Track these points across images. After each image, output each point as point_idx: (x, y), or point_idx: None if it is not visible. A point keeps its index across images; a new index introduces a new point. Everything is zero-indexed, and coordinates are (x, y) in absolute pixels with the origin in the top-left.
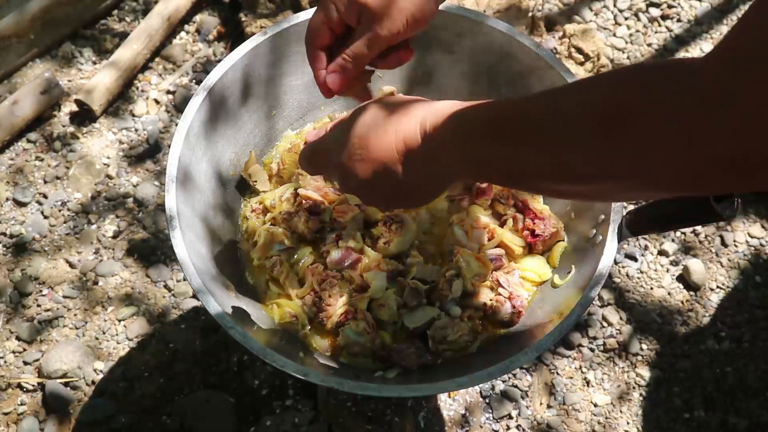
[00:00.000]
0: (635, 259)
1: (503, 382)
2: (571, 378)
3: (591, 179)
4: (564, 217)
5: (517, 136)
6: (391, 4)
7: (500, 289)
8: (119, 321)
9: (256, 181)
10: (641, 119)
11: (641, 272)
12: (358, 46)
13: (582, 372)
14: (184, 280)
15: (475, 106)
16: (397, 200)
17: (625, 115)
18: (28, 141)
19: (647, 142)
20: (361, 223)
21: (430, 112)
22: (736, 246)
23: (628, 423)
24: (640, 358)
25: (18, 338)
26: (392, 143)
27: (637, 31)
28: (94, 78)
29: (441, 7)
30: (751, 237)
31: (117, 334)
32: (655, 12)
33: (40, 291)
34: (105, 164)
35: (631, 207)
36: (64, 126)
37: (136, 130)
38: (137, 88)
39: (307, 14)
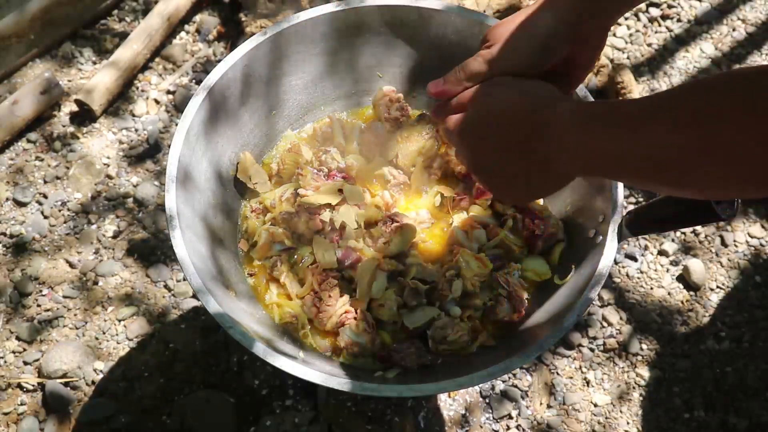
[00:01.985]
0: (635, 259)
1: (503, 382)
2: (571, 378)
3: (682, 172)
4: (564, 217)
5: (635, 120)
6: (506, 47)
7: (500, 289)
8: (119, 321)
9: (256, 183)
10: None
11: (641, 272)
12: (464, 63)
13: (582, 372)
14: (184, 280)
15: (590, 103)
16: (519, 186)
17: (720, 114)
18: (28, 141)
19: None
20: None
21: (559, 103)
22: (736, 246)
23: (628, 423)
24: (640, 358)
25: (18, 338)
26: (523, 127)
27: (637, 31)
28: (94, 78)
29: (441, 7)
30: (751, 237)
31: (117, 334)
32: (655, 12)
33: (40, 291)
34: (105, 164)
35: (631, 207)
36: (64, 126)
37: (136, 130)
38: (137, 88)
39: (308, 14)
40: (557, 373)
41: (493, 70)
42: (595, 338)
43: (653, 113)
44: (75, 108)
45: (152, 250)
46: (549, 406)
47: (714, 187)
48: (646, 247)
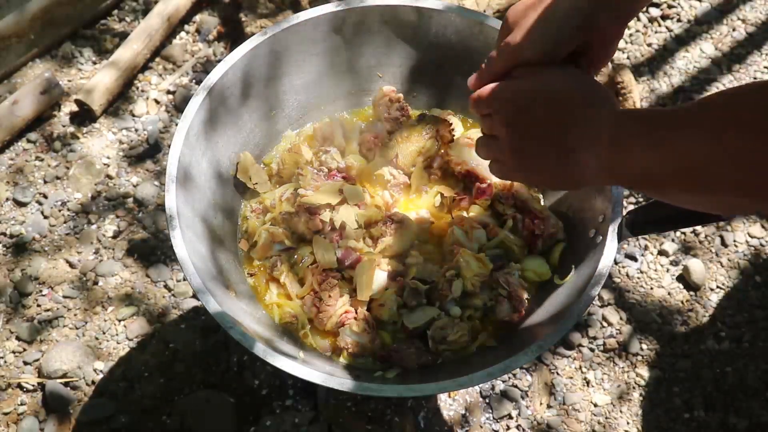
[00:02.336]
0: (635, 259)
1: (503, 382)
2: (571, 378)
3: (736, 176)
4: (564, 217)
5: (673, 126)
6: (527, 29)
7: (500, 289)
8: (119, 321)
9: (256, 183)
10: None
11: (641, 272)
12: (493, 56)
13: (582, 372)
14: (184, 280)
15: (632, 112)
16: (535, 169)
17: None
18: (28, 141)
19: None
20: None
21: (603, 104)
22: (736, 246)
23: (628, 423)
24: (640, 358)
25: (18, 338)
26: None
27: (637, 31)
28: (94, 78)
29: (441, 7)
30: (751, 237)
31: (117, 334)
32: (655, 12)
33: (40, 291)
34: (105, 164)
35: (631, 207)
36: (64, 126)
37: (136, 130)
38: (137, 88)
39: (308, 14)
40: (557, 373)
41: (516, 60)
42: (595, 338)
43: (700, 117)
44: (75, 108)
45: (152, 250)
46: (549, 406)
47: (756, 198)
48: (646, 247)
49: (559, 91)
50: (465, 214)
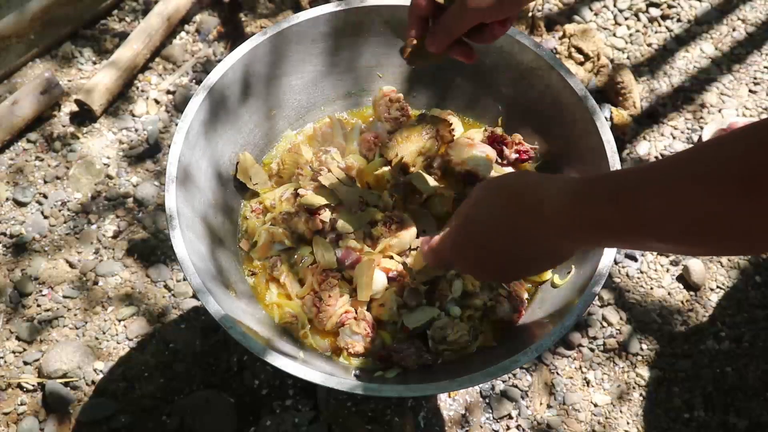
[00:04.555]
0: (635, 259)
1: (503, 382)
2: (571, 378)
3: (714, 237)
4: None
5: (640, 193)
6: None
7: (500, 289)
8: (119, 321)
9: (256, 183)
10: None
11: (641, 272)
12: (448, 18)
13: (582, 372)
14: (184, 280)
15: (591, 178)
16: (527, 270)
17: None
18: (28, 141)
19: None
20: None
21: (551, 187)
22: None
23: (628, 423)
24: (640, 358)
25: (18, 338)
26: (507, 213)
27: (637, 31)
28: (94, 78)
29: None
30: None
31: (117, 334)
32: (655, 12)
33: (40, 291)
34: (105, 164)
35: None
36: (64, 126)
37: (136, 130)
38: (137, 88)
39: (308, 14)
40: (557, 373)
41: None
42: (595, 338)
43: (675, 175)
44: (75, 108)
45: (152, 250)
46: (549, 406)
47: (756, 246)
48: None
49: (493, 215)
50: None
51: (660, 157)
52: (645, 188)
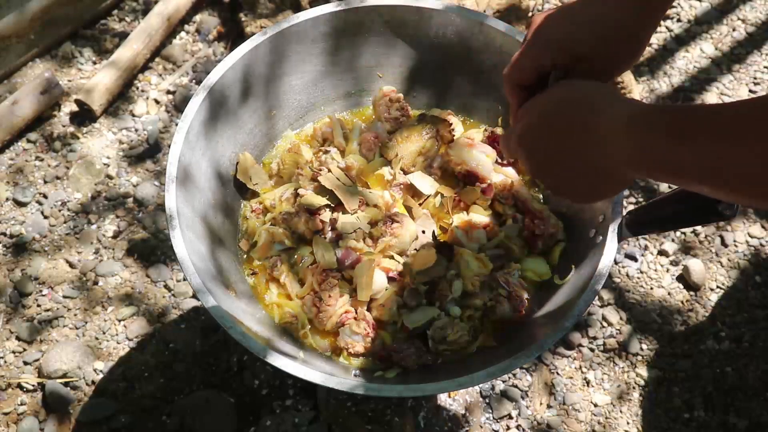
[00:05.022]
0: (635, 259)
1: (503, 382)
2: (571, 378)
3: (763, 182)
4: (564, 217)
5: (697, 130)
6: (602, 54)
7: (500, 289)
8: (119, 321)
9: (256, 183)
10: None
11: (641, 272)
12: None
13: (582, 372)
14: (184, 280)
15: (652, 106)
16: (581, 188)
17: None
18: (28, 141)
19: None
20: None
21: (615, 104)
22: (736, 246)
23: (628, 423)
24: (640, 358)
25: (18, 338)
26: (577, 127)
27: None
28: (94, 78)
29: (441, 7)
30: (751, 237)
31: (117, 334)
32: None
33: (40, 291)
34: (105, 164)
35: (631, 207)
36: (64, 126)
37: (136, 130)
38: (137, 88)
39: (308, 14)
40: (557, 373)
41: (566, 52)
42: (595, 338)
43: (729, 121)
44: (75, 108)
45: (152, 250)
46: (549, 406)
47: None
48: (646, 247)
49: (560, 118)
50: (465, 214)
51: None
52: (705, 131)
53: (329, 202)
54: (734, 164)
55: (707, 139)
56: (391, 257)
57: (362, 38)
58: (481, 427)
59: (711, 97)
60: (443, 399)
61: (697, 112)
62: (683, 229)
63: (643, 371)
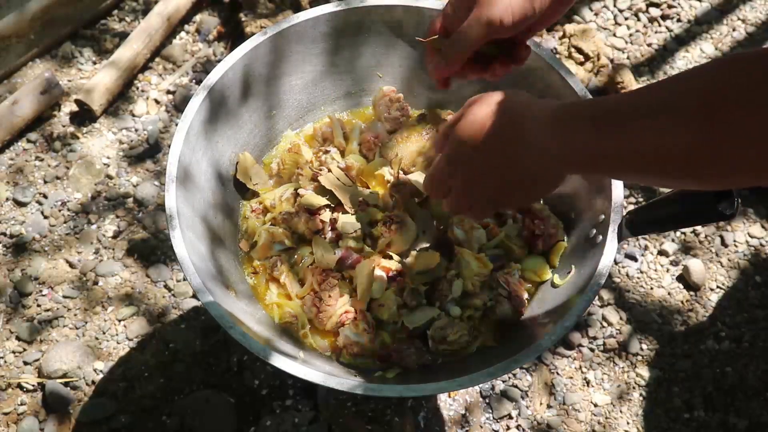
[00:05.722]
0: (635, 259)
1: (503, 382)
2: (571, 378)
3: (687, 164)
4: (564, 217)
5: (618, 120)
6: None
7: (500, 289)
8: (119, 321)
9: (256, 183)
10: (738, 106)
11: (641, 272)
12: (460, 30)
13: (582, 372)
14: (184, 280)
15: (574, 102)
16: (507, 195)
17: (724, 101)
18: (28, 141)
19: (748, 128)
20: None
21: (534, 107)
22: (736, 246)
23: (628, 423)
24: (640, 358)
25: (18, 338)
26: (501, 135)
27: (637, 31)
28: (94, 78)
29: (440, 7)
30: (751, 237)
31: (117, 334)
32: (655, 12)
33: (40, 291)
34: (105, 164)
35: (631, 207)
36: (64, 126)
37: (136, 130)
38: (137, 88)
39: (308, 14)
40: (557, 373)
41: (490, 27)
42: (595, 338)
43: (647, 107)
44: (75, 108)
45: (152, 250)
46: (549, 406)
47: (725, 176)
48: (646, 247)
49: (483, 133)
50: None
51: None
52: (655, 114)
53: (329, 202)
54: (657, 146)
55: (630, 124)
56: (391, 257)
57: (362, 38)
58: (481, 427)
59: None
60: (443, 399)
61: (618, 99)
62: (683, 229)
63: (643, 371)
